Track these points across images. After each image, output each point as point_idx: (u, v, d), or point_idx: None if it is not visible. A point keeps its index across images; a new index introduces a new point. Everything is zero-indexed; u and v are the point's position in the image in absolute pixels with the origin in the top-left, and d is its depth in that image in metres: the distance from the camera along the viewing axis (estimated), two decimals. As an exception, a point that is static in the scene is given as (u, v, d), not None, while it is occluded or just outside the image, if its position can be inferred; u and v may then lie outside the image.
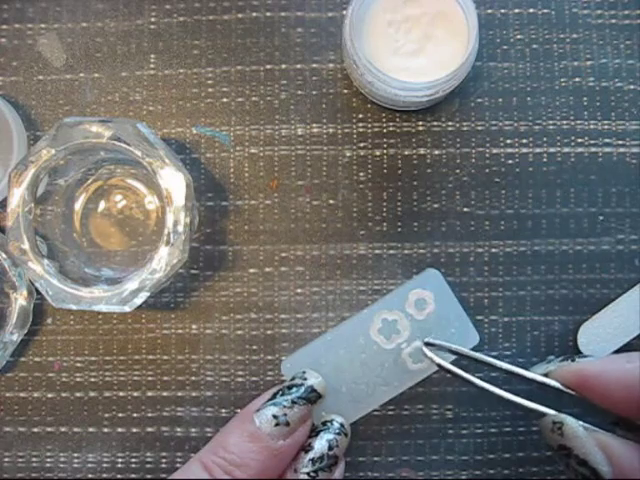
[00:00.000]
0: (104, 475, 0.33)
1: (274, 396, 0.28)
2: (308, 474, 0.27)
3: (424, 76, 0.29)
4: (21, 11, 0.34)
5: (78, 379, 0.33)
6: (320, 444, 0.27)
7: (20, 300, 0.32)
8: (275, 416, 0.27)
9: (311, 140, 0.33)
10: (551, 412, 0.26)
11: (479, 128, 0.33)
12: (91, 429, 0.33)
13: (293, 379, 0.29)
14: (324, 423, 0.28)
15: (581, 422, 0.25)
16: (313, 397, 0.28)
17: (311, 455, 0.27)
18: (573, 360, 0.27)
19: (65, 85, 0.34)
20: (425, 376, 0.31)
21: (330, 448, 0.27)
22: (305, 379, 0.28)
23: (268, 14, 0.34)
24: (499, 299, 0.33)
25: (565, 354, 0.33)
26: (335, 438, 0.28)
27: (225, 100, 0.34)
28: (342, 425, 0.28)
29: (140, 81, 0.34)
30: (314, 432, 0.28)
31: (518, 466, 0.32)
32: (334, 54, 0.33)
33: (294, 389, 0.28)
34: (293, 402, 0.27)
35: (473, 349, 0.32)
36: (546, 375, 0.27)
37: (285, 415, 0.27)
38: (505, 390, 0.27)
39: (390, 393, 0.31)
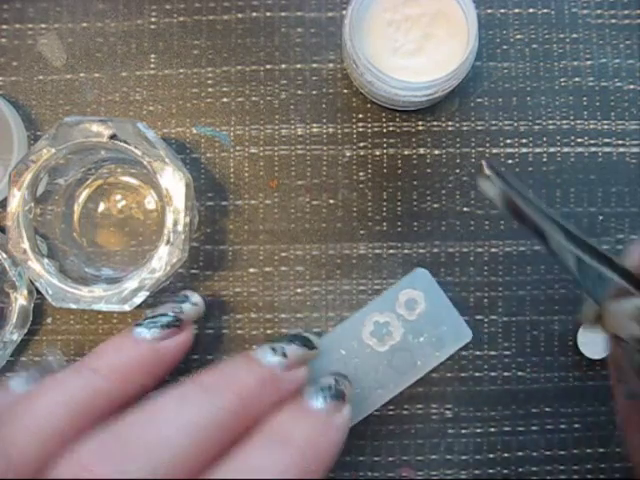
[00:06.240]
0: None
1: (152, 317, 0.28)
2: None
3: (424, 76, 0.29)
4: (21, 11, 0.34)
5: (78, 379, 0.33)
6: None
7: (20, 300, 0.31)
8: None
9: (311, 140, 0.33)
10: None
11: (479, 128, 0.33)
12: (91, 429, 0.33)
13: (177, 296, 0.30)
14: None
15: None
16: (179, 299, 0.29)
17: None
18: None
19: (65, 85, 0.34)
20: (418, 377, 0.31)
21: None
22: (185, 297, 0.29)
23: (268, 14, 0.34)
24: (499, 299, 0.33)
25: (566, 354, 0.32)
26: None
27: (225, 100, 0.34)
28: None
29: (140, 81, 0.34)
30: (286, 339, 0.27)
31: (518, 466, 0.32)
32: (334, 54, 0.34)
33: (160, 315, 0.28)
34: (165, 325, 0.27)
35: (467, 345, 0.32)
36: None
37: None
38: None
39: (386, 396, 0.31)
